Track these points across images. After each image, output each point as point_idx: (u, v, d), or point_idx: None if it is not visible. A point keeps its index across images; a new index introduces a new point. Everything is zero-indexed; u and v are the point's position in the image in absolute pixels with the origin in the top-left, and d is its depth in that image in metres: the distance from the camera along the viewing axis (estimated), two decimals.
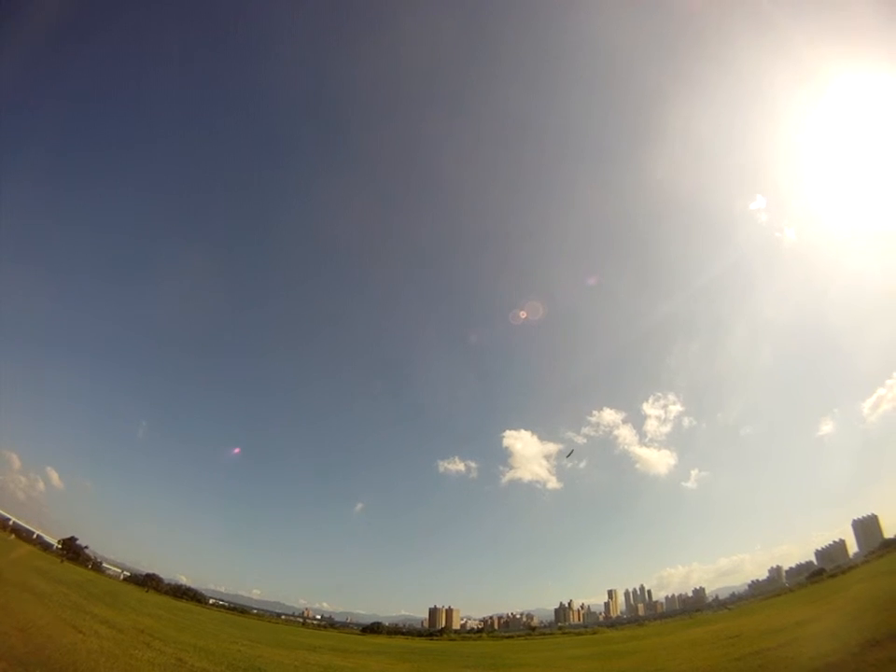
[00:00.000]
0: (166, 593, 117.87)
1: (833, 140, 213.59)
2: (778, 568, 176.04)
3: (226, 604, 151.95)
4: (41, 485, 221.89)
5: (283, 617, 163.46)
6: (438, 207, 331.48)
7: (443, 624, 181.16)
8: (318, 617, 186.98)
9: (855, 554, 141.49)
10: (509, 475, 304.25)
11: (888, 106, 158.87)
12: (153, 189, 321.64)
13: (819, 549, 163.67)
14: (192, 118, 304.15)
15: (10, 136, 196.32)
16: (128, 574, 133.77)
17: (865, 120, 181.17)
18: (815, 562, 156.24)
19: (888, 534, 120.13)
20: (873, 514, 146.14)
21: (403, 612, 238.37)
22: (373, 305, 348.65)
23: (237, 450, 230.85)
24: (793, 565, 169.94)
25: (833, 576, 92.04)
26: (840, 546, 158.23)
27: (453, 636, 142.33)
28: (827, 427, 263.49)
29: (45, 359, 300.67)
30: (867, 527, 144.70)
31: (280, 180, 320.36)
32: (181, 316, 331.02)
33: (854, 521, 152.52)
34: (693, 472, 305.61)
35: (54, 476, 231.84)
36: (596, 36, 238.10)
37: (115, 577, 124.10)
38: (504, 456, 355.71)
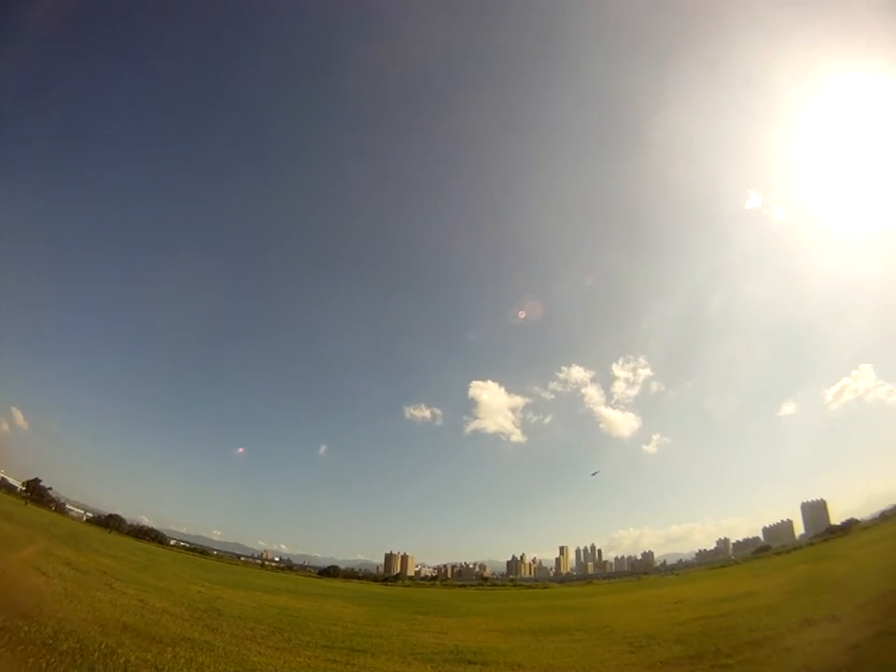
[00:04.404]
0: (128, 534, 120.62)
1: (827, 133, 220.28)
2: (726, 541, 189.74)
3: (187, 545, 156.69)
4: (5, 426, 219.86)
5: (242, 559, 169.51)
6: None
7: (398, 571, 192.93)
8: (276, 559, 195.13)
9: (801, 536, 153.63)
10: (473, 425, 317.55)
11: (881, 104, 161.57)
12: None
13: (767, 526, 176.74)
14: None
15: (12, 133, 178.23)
16: (91, 515, 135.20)
17: (858, 117, 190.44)
18: (762, 538, 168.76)
19: (834, 520, 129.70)
20: (822, 499, 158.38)
21: (360, 557, 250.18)
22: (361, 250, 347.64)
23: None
24: (741, 539, 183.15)
25: (777, 554, 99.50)
26: (787, 526, 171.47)
27: (407, 582, 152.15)
28: (789, 409, 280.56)
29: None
30: (815, 511, 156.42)
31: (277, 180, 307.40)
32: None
33: (803, 503, 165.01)
34: (655, 437, 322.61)
35: (18, 416, 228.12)
36: (595, 30, 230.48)
37: (78, 518, 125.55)
38: (469, 406, 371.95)
